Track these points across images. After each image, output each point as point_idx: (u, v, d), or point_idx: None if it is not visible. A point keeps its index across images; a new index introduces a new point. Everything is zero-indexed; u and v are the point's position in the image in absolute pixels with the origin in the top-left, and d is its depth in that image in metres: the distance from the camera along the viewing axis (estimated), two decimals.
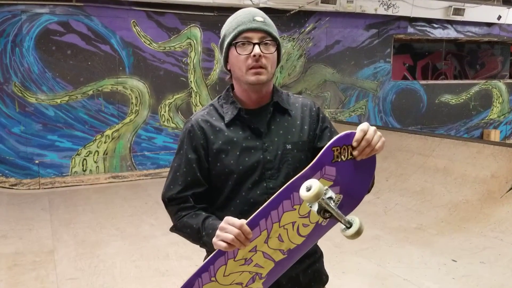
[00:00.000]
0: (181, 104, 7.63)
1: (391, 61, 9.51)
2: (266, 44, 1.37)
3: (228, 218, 1.23)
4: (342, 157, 1.26)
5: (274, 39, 1.39)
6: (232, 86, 1.49)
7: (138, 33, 7.19)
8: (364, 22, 8.98)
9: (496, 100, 11.02)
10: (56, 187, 6.77)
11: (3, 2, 6.35)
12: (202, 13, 7.50)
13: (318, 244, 1.53)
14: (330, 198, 1.21)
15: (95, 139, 7.09)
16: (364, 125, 1.23)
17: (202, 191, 1.43)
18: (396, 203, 5.45)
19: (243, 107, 1.43)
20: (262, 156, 1.40)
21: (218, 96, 1.52)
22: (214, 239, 1.24)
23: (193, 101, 7.71)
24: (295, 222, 1.29)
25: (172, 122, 7.58)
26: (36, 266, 3.89)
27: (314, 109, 1.51)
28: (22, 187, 6.65)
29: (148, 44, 7.28)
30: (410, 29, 9.51)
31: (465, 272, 3.64)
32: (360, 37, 9.02)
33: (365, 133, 1.22)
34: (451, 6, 9.35)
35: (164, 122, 7.54)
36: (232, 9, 1.55)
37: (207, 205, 1.45)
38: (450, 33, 10.09)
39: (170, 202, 1.44)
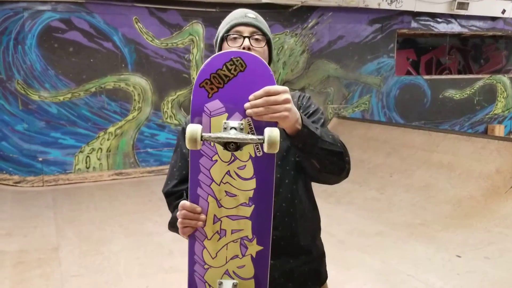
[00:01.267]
0: (183, 100, 7.62)
1: (395, 56, 9.47)
2: (256, 38, 1.40)
3: (178, 205, 1.26)
4: (218, 85, 1.15)
5: (264, 34, 1.42)
6: None
7: (140, 30, 7.18)
8: (367, 17, 8.93)
9: (501, 94, 10.96)
10: (60, 185, 6.79)
11: None
12: (204, 9, 7.48)
13: (321, 243, 1.52)
14: (233, 128, 1.12)
15: (98, 136, 7.10)
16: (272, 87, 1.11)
17: None
18: (400, 199, 5.44)
19: None
20: None
21: None
22: (179, 231, 1.27)
23: None
24: (229, 170, 1.21)
25: (175, 119, 7.58)
26: (40, 264, 3.91)
27: (297, 102, 1.47)
28: (26, 184, 6.67)
29: (150, 41, 7.26)
30: (414, 24, 9.46)
31: (469, 268, 3.63)
32: (363, 32, 8.98)
33: (268, 93, 1.10)
34: (455, 0, 9.29)
35: (166, 118, 7.54)
36: (234, 5, 1.55)
37: None
38: (454, 27, 10.03)
39: (168, 197, 1.49)
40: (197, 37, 7.57)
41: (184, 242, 1.52)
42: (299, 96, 1.51)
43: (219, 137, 1.09)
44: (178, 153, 1.50)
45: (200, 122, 1.17)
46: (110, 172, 7.19)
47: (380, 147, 6.72)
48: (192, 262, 1.28)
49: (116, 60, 7.08)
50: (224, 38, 1.43)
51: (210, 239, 1.25)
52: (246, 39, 1.39)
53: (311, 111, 1.46)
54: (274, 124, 1.14)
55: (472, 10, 9.59)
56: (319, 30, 8.56)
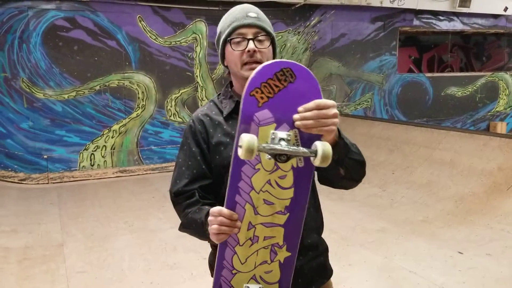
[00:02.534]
0: (187, 98, 7.65)
1: (397, 54, 9.46)
2: (260, 39, 1.38)
3: (211, 211, 1.24)
4: (268, 94, 1.15)
5: (268, 33, 1.40)
6: (231, 82, 1.51)
7: (144, 28, 7.20)
8: (369, 15, 8.92)
9: (503, 92, 10.94)
10: (65, 182, 6.83)
11: None
12: (207, 8, 7.50)
13: (323, 238, 1.54)
14: (282, 139, 1.12)
15: (103, 134, 7.13)
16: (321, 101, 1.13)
17: (209, 183, 1.44)
18: (402, 195, 5.44)
19: (240, 100, 1.46)
20: None
21: (218, 93, 1.54)
22: (210, 236, 1.25)
23: (199, 96, 7.73)
24: (270, 179, 1.22)
25: (179, 117, 7.61)
26: (45, 260, 3.93)
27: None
28: (31, 182, 6.72)
29: (154, 39, 7.29)
30: (416, 22, 9.45)
31: (471, 264, 3.63)
32: (365, 30, 8.98)
33: (318, 107, 1.13)
34: None
35: (170, 116, 7.57)
36: (237, 4, 1.56)
37: (214, 200, 1.45)
38: (456, 25, 10.00)
39: (177, 196, 1.44)
40: (200, 35, 7.59)
41: (188, 238, 1.54)
42: None
43: (273, 149, 1.09)
44: (187, 152, 1.46)
45: (247, 131, 1.17)
46: (114, 169, 7.22)
47: (382, 144, 6.72)
48: (220, 268, 1.28)
49: (120, 58, 7.11)
50: (226, 41, 1.40)
51: (242, 245, 1.26)
52: (251, 42, 1.36)
53: None
54: (318, 136, 1.16)
55: (474, 8, 9.56)
56: (322, 28, 8.57)
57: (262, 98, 1.16)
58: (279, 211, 1.25)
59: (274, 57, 1.46)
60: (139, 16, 7.15)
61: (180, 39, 7.47)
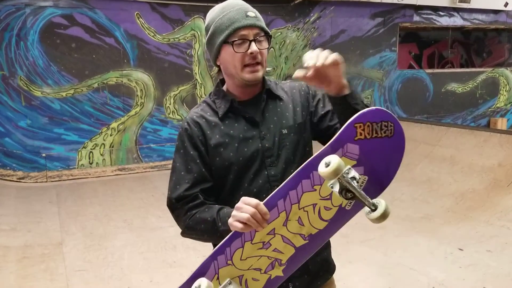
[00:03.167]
0: (186, 96, 7.62)
1: (397, 50, 9.43)
2: (260, 40, 1.37)
3: (245, 198, 1.21)
4: (367, 134, 1.19)
5: (266, 33, 1.40)
6: (221, 81, 1.50)
7: (142, 25, 7.17)
8: (369, 11, 8.89)
9: (503, 88, 10.91)
10: (63, 180, 6.81)
11: None
12: (205, 4, 7.41)
13: None
14: (353, 178, 1.17)
15: (101, 132, 7.10)
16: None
17: (210, 186, 1.41)
18: (402, 192, 5.44)
19: (235, 99, 1.44)
20: (261, 144, 1.41)
21: (209, 93, 1.53)
22: (230, 220, 1.22)
23: (198, 93, 7.70)
24: (316, 204, 1.23)
25: (177, 114, 7.58)
26: (45, 259, 3.93)
27: (303, 88, 1.53)
28: (29, 180, 6.70)
29: (152, 36, 7.26)
30: (416, 18, 9.41)
31: (471, 261, 3.63)
32: (365, 26, 8.94)
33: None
34: None
35: (169, 114, 7.54)
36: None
37: (216, 201, 1.44)
38: (457, 21, 9.97)
39: (179, 202, 1.39)
40: (199, 32, 7.56)
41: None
42: (306, 86, 1.54)
43: (350, 183, 1.14)
44: (185, 156, 1.42)
45: (329, 153, 1.19)
46: (113, 167, 7.21)
47: None
48: (219, 252, 1.27)
49: (119, 56, 7.08)
50: (225, 42, 1.37)
51: (252, 244, 1.26)
52: (253, 44, 1.35)
53: (318, 96, 1.53)
54: (379, 193, 1.25)
55: (474, 4, 9.53)
56: (321, 25, 8.53)
57: (361, 134, 1.19)
58: (302, 234, 1.26)
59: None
60: (137, 13, 7.11)
61: (178, 36, 7.43)
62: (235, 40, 1.35)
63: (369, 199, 1.16)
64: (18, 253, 4.06)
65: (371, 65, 9.15)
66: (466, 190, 4.99)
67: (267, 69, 8.80)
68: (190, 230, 1.39)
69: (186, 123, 1.44)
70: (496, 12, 10.19)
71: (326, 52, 1.22)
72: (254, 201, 1.19)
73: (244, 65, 1.36)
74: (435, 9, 9.53)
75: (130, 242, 4.31)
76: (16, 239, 4.40)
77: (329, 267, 1.55)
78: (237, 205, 1.21)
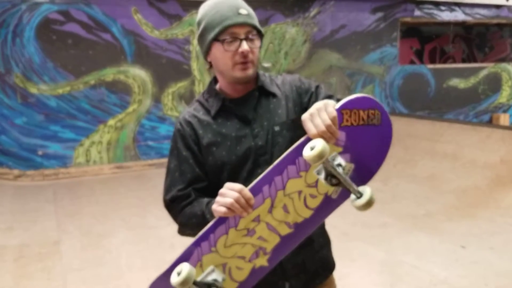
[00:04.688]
0: (184, 92, 7.58)
1: (398, 45, 9.39)
2: (251, 38, 1.35)
3: (228, 183, 1.21)
4: (353, 121, 1.19)
5: (259, 31, 1.38)
6: (215, 79, 1.48)
7: (139, 21, 7.12)
8: (370, 6, 8.84)
9: (505, 83, 10.87)
10: (60, 178, 6.78)
11: None
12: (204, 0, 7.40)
13: (325, 231, 1.54)
14: (339, 165, 1.17)
15: (98, 129, 7.06)
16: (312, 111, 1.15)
17: (203, 187, 1.42)
18: (404, 189, 5.45)
19: (227, 97, 1.43)
20: (254, 142, 1.39)
21: (202, 92, 1.52)
22: (214, 206, 1.21)
23: (196, 89, 7.66)
24: (302, 191, 1.23)
25: (176, 111, 7.54)
26: (42, 258, 3.93)
27: (295, 83, 1.48)
28: (26, 178, 6.67)
29: (150, 32, 7.20)
30: (417, 12, 9.37)
31: (474, 258, 3.63)
32: (366, 21, 8.89)
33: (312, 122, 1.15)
34: None
35: (167, 111, 7.50)
36: None
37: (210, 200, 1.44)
38: (458, 15, 9.92)
39: (173, 202, 1.41)
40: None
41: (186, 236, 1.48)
42: (299, 79, 1.49)
43: (335, 169, 1.15)
44: (178, 157, 1.43)
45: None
46: (110, 165, 7.17)
47: None
48: (203, 238, 1.26)
49: (115, 52, 7.03)
50: (215, 39, 1.34)
51: (237, 230, 1.25)
52: (244, 43, 1.33)
53: (312, 88, 1.46)
54: (367, 179, 1.26)
55: None
56: (321, 19, 8.48)
57: (347, 120, 1.19)
58: (288, 222, 1.26)
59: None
60: (134, 8, 7.06)
61: (176, 31, 7.38)
62: (226, 39, 1.33)
63: (355, 186, 1.16)
64: (15, 252, 4.05)
65: (371, 61, 9.10)
66: (468, 187, 5.00)
67: (266, 65, 8.82)
68: (184, 226, 1.41)
69: (179, 124, 1.45)
70: (498, 7, 10.15)
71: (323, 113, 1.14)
72: (238, 186, 1.18)
73: (235, 64, 1.34)
74: (436, 3, 9.49)
75: (128, 240, 4.29)
76: (13, 238, 4.40)
77: (328, 265, 1.53)
78: (220, 190, 1.21)
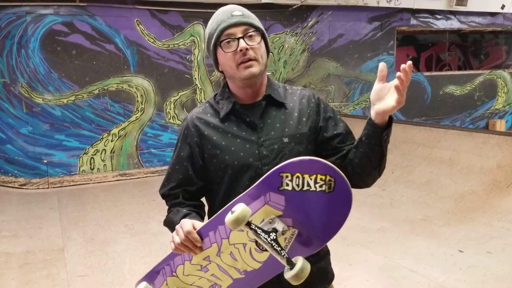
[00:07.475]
0: (186, 101, 7.66)
1: (395, 53, 9.46)
2: (250, 36, 1.34)
3: (183, 221, 1.25)
4: (295, 186, 1.07)
5: (257, 28, 1.36)
6: (227, 84, 1.47)
7: (142, 32, 7.21)
8: (366, 15, 8.93)
9: (501, 90, 10.93)
10: (65, 186, 6.82)
11: (8, 4, 6.39)
12: (205, 10, 7.50)
13: None
14: (275, 229, 1.05)
15: (102, 138, 7.13)
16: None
17: (195, 189, 1.44)
18: (402, 195, 5.44)
19: (238, 101, 1.42)
20: (258, 151, 1.36)
21: (214, 94, 1.51)
22: (170, 238, 1.25)
23: (198, 98, 7.74)
24: (246, 244, 1.15)
25: (178, 119, 7.61)
26: (46, 264, 3.93)
27: (313, 99, 1.46)
28: (31, 186, 6.71)
29: (152, 42, 7.30)
30: (413, 21, 9.45)
31: (471, 263, 3.63)
32: (363, 30, 8.98)
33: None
34: None
35: (169, 119, 7.57)
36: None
37: (199, 202, 1.47)
38: (454, 23, 10.00)
39: (164, 198, 1.50)
40: (198, 38, 7.60)
41: None
42: (318, 98, 1.50)
43: (260, 235, 1.03)
44: (176, 154, 1.46)
45: (253, 199, 1.11)
46: (114, 173, 7.23)
47: None
48: (166, 261, 1.32)
49: (119, 62, 7.12)
50: (216, 45, 1.36)
51: (191, 264, 1.27)
52: (241, 41, 1.32)
53: (330, 112, 1.48)
54: (309, 251, 1.14)
55: (471, 6, 9.57)
56: (319, 29, 8.58)
57: (287, 185, 1.07)
58: (237, 268, 1.21)
59: (267, 52, 1.42)
60: (137, 20, 7.16)
61: (178, 42, 7.47)
62: (223, 41, 1.34)
63: (285, 254, 1.03)
64: (20, 259, 4.05)
65: (369, 69, 9.18)
66: (466, 192, 4.98)
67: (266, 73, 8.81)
68: (167, 227, 1.46)
69: (185, 123, 1.46)
70: (492, 14, 10.22)
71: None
72: (186, 227, 1.21)
73: (238, 64, 1.33)
74: (432, 12, 9.57)
75: (131, 247, 4.30)
76: (18, 245, 4.40)
77: (326, 277, 1.48)
78: (176, 226, 1.26)
